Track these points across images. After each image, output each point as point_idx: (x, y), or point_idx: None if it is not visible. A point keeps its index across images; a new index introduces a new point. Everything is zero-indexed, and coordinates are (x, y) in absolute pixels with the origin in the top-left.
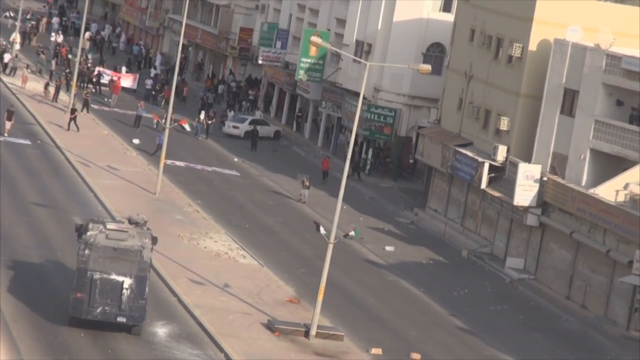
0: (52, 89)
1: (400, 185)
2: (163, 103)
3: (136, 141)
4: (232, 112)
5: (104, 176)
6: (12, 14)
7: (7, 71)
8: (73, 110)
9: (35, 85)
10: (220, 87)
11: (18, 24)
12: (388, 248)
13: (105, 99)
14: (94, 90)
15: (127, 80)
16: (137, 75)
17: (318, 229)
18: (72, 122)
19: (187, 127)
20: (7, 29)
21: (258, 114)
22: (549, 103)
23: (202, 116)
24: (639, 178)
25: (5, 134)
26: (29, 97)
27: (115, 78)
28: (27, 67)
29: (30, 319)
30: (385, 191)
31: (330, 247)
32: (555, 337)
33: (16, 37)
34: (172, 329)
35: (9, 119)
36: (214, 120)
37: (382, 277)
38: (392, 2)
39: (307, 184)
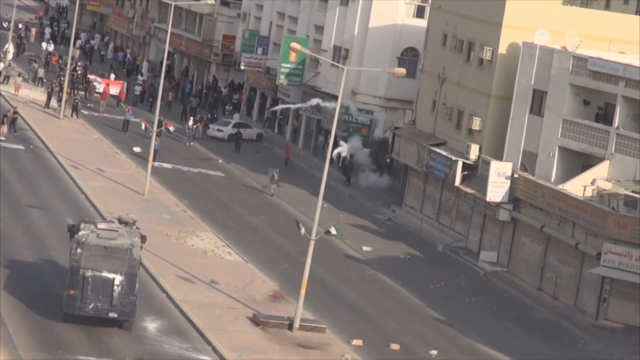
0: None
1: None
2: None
3: (137, 149)
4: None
5: (94, 178)
6: (5, 25)
7: (1, 79)
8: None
9: (28, 92)
10: (204, 92)
11: (10, 33)
12: (365, 248)
13: (90, 105)
14: (84, 96)
15: (115, 88)
16: (125, 83)
17: (299, 228)
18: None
19: (172, 129)
20: (2, 39)
21: (236, 117)
22: (518, 103)
23: (190, 122)
24: (606, 174)
25: (2, 137)
26: (22, 103)
27: (104, 85)
28: (19, 75)
29: (26, 316)
30: (364, 189)
31: (312, 243)
32: (527, 326)
33: (9, 46)
34: (161, 324)
35: (3, 123)
36: (199, 124)
37: (361, 272)
38: (368, 8)
39: (277, 177)
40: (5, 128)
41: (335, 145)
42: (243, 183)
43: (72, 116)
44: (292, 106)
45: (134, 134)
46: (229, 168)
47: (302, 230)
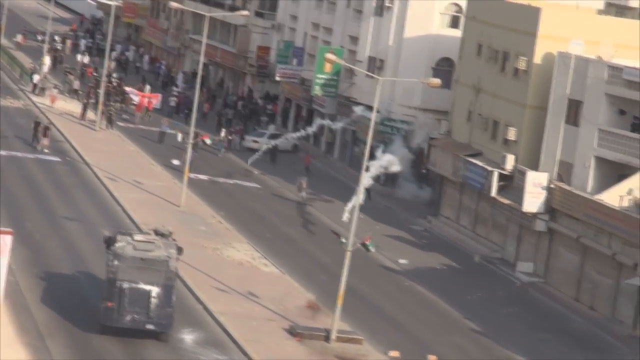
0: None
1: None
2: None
3: (176, 162)
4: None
5: (130, 190)
6: (40, 37)
7: (36, 91)
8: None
9: (63, 104)
10: (239, 104)
11: (46, 46)
12: (402, 261)
13: (125, 116)
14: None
15: (152, 101)
16: (160, 95)
17: (338, 237)
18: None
19: (208, 141)
20: (36, 51)
21: (272, 128)
22: (554, 113)
23: (222, 133)
24: None
25: (45, 149)
26: (57, 115)
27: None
28: (55, 86)
29: (63, 328)
30: (399, 200)
31: (348, 254)
32: (564, 337)
33: (44, 59)
34: (198, 336)
35: (45, 135)
36: (234, 136)
37: (398, 283)
38: (403, 19)
39: (305, 186)
40: (46, 140)
41: (372, 156)
42: (279, 194)
43: (107, 128)
44: (336, 125)
45: (169, 145)
46: (264, 179)
47: (342, 239)
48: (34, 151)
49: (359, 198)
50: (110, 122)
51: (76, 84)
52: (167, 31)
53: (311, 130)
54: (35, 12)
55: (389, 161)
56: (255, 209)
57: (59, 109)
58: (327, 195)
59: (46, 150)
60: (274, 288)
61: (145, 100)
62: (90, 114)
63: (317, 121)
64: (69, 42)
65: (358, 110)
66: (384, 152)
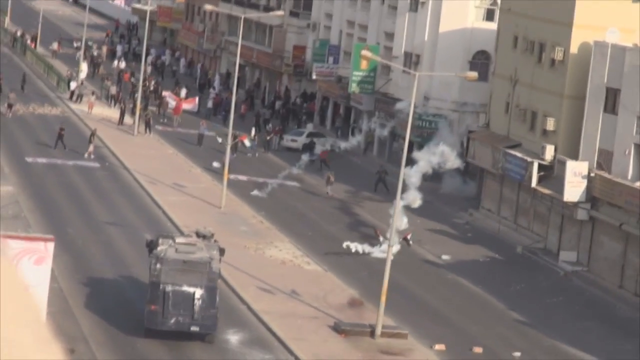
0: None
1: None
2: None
3: (216, 164)
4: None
5: (170, 193)
6: (76, 44)
7: (74, 98)
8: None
9: (102, 110)
10: (277, 103)
11: (82, 52)
12: (444, 257)
13: (163, 120)
14: (156, 112)
15: (188, 105)
16: (197, 98)
17: (378, 236)
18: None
19: (247, 142)
20: (72, 58)
21: (310, 127)
22: (592, 102)
23: (252, 132)
24: None
25: (91, 155)
26: (96, 121)
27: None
28: (93, 93)
29: (108, 333)
30: (440, 194)
31: (390, 250)
32: (610, 325)
33: (81, 66)
34: (243, 336)
35: (91, 142)
36: (272, 135)
37: (441, 276)
38: (438, 13)
39: (332, 179)
40: (92, 146)
41: (411, 150)
42: (318, 192)
43: (145, 132)
44: (382, 130)
45: (208, 148)
46: (304, 178)
47: (381, 239)
48: (74, 157)
49: (398, 200)
50: (148, 126)
51: (114, 90)
52: (202, 34)
53: (357, 140)
54: (70, 19)
55: (444, 154)
56: (295, 208)
57: (97, 115)
58: (367, 192)
59: (92, 156)
60: (317, 286)
61: (183, 104)
62: (128, 119)
63: (362, 125)
64: (105, 48)
65: (402, 105)
66: (433, 144)
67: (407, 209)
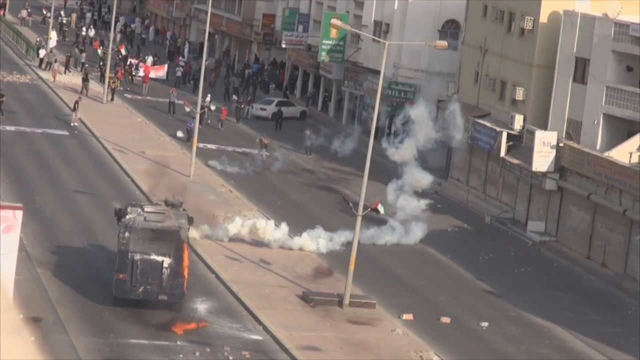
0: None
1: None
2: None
3: (180, 134)
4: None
5: (139, 162)
6: (44, 12)
7: (43, 66)
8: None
9: (70, 78)
10: (247, 72)
11: (51, 21)
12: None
13: (127, 88)
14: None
15: (157, 72)
16: (166, 66)
17: (347, 203)
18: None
19: (212, 107)
20: (40, 26)
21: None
22: (561, 72)
23: (208, 99)
24: None
25: (75, 123)
26: (62, 89)
27: (143, 68)
28: (56, 60)
29: (76, 301)
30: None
31: (359, 219)
32: (578, 295)
33: (50, 33)
34: (211, 305)
35: (75, 109)
36: (244, 105)
37: (409, 246)
38: None
39: (266, 142)
40: (75, 115)
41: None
42: (288, 161)
43: (111, 100)
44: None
45: (180, 115)
46: (272, 147)
47: (351, 205)
48: (41, 125)
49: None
50: (112, 93)
51: (83, 57)
52: (171, 2)
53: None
54: None
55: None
56: (264, 177)
57: (61, 82)
58: (337, 161)
59: (76, 124)
60: (286, 255)
61: (150, 70)
62: (93, 87)
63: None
64: (74, 16)
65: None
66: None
67: (378, 179)
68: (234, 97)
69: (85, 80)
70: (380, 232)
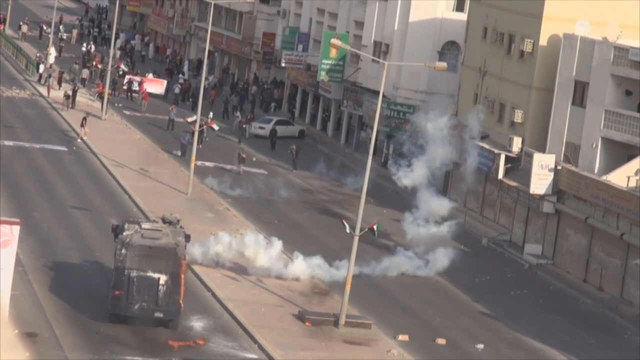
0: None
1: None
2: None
3: (177, 152)
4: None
5: (137, 178)
6: (44, 27)
7: (42, 81)
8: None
9: (60, 94)
10: (253, 89)
11: (51, 36)
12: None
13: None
14: (123, 96)
15: (156, 86)
16: (165, 82)
17: (344, 225)
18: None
19: (215, 127)
20: (40, 42)
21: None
22: (560, 95)
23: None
24: None
25: (84, 137)
26: (59, 105)
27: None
28: (50, 76)
29: (72, 317)
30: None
31: (356, 239)
32: (574, 318)
33: (50, 49)
34: (207, 323)
35: (83, 125)
36: (246, 124)
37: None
38: (408, 3)
39: (243, 156)
40: (83, 130)
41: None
42: (285, 180)
43: (70, 107)
44: None
45: (177, 133)
46: (271, 166)
47: (347, 228)
48: (40, 141)
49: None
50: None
51: (85, 73)
52: (172, 19)
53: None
54: (40, 1)
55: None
56: (262, 195)
57: (55, 97)
58: (335, 181)
59: (85, 138)
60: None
61: (149, 87)
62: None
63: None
64: (75, 32)
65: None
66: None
67: (374, 199)
68: (237, 114)
69: (67, 97)
70: (395, 263)
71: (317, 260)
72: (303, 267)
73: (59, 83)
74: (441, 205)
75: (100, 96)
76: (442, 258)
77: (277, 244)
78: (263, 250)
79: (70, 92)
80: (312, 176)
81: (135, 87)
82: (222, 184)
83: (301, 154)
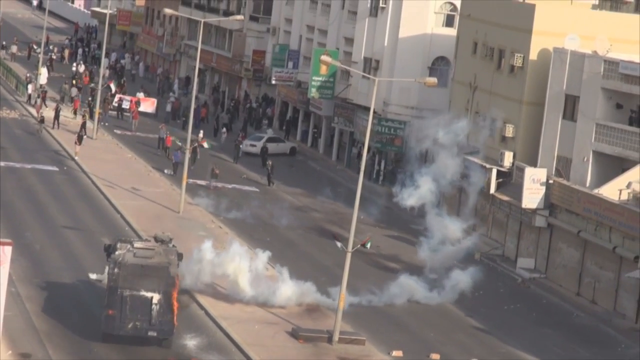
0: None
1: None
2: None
3: (168, 171)
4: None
5: (129, 197)
6: (34, 47)
7: (32, 102)
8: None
9: (46, 114)
10: (254, 105)
11: (41, 56)
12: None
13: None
14: (114, 116)
15: (146, 105)
16: (156, 101)
17: (335, 240)
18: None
19: (206, 145)
20: (30, 61)
21: (270, 132)
22: (551, 109)
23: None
24: None
25: (76, 157)
26: (49, 125)
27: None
28: (38, 96)
29: (65, 337)
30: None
31: (349, 256)
32: (567, 332)
33: (40, 69)
34: (200, 341)
35: (79, 143)
36: (240, 142)
37: (391, 276)
38: (397, 19)
39: (217, 172)
40: (78, 148)
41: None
42: (278, 197)
43: (53, 127)
44: None
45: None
46: (262, 183)
47: (339, 244)
48: (30, 161)
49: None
50: (83, 127)
51: (74, 92)
52: (161, 38)
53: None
54: (29, 22)
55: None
56: (254, 213)
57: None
58: (326, 198)
59: (76, 158)
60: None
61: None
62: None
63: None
64: (68, 52)
65: None
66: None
67: (368, 215)
68: (224, 131)
69: (41, 120)
70: (405, 290)
71: (308, 286)
72: (291, 293)
73: (43, 101)
74: (456, 228)
75: (75, 113)
76: (458, 284)
77: (263, 256)
78: (246, 266)
79: (44, 115)
80: (303, 193)
81: (125, 106)
82: (214, 202)
83: (276, 169)
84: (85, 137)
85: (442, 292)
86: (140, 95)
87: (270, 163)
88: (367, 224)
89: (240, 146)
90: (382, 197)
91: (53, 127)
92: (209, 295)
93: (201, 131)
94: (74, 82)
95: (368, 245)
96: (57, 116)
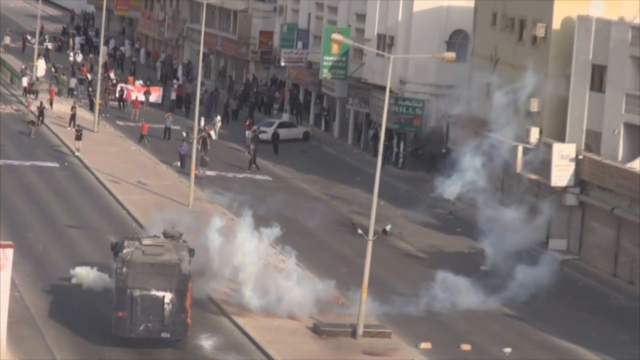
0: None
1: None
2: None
3: (176, 164)
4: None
5: (135, 192)
6: (29, 38)
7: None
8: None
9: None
10: (254, 91)
11: (36, 47)
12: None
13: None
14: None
15: (154, 94)
16: (161, 89)
17: (355, 231)
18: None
19: (213, 135)
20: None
21: (285, 117)
22: (577, 81)
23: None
24: None
25: (77, 153)
26: (53, 119)
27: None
28: (32, 87)
29: (74, 342)
30: (420, 183)
31: (370, 244)
32: (605, 315)
33: (36, 61)
34: (217, 341)
35: (78, 139)
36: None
37: (424, 270)
38: None
39: (206, 159)
40: (79, 143)
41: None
42: (292, 185)
43: (69, 126)
44: None
45: (176, 141)
46: (275, 171)
47: (360, 231)
48: (29, 158)
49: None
50: (73, 119)
51: (72, 83)
52: (162, 22)
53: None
54: (22, 11)
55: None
56: (268, 202)
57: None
58: (344, 184)
59: (78, 154)
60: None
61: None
62: (82, 114)
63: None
64: (70, 41)
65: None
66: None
67: (389, 200)
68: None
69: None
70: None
71: (325, 285)
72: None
73: (28, 92)
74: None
75: (51, 104)
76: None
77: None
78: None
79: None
80: (319, 179)
81: (134, 97)
82: (227, 192)
83: (257, 154)
84: (75, 128)
85: (501, 293)
86: (137, 83)
87: (253, 147)
88: (388, 210)
89: (260, 135)
90: (405, 180)
91: (39, 124)
92: (224, 292)
93: (217, 116)
94: (73, 72)
95: (388, 228)
96: (41, 114)
